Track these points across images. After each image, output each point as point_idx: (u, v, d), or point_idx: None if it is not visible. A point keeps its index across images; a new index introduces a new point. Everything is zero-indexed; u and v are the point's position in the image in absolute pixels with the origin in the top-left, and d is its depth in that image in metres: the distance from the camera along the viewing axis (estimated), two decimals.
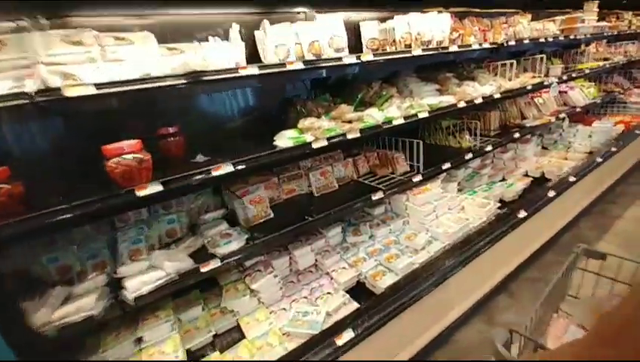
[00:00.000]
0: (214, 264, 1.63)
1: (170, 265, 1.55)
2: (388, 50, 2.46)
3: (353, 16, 2.60)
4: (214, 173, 1.54)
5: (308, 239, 2.25)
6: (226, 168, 1.56)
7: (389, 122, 2.06)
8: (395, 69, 3.04)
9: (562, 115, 3.67)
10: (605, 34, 4.13)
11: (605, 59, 4.29)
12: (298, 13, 2.31)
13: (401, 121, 2.10)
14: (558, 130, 4.16)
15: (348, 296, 1.88)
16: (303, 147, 1.78)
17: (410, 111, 2.19)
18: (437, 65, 3.18)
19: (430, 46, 2.40)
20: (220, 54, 1.66)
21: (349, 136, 1.90)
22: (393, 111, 2.14)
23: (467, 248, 2.19)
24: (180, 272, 1.56)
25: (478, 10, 3.38)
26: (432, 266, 2.05)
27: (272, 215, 2.03)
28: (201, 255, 1.71)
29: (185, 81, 1.50)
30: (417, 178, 2.34)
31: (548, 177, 3.26)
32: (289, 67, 1.73)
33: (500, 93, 2.76)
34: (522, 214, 2.50)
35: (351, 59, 1.92)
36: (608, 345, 0.43)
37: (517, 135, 3.11)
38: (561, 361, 0.51)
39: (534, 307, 1.07)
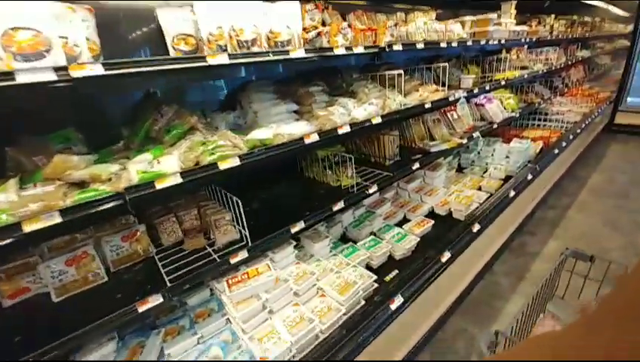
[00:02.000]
0: None
1: None
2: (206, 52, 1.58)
3: None
4: None
5: None
6: None
7: (146, 186, 1.17)
8: (247, 77, 2.18)
9: (476, 134, 3.08)
10: (524, 39, 3.64)
11: (523, 67, 3.82)
12: None
13: (176, 180, 1.22)
14: (475, 147, 3.63)
15: None
16: None
17: (205, 158, 1.32)
18: (311, 74, 2.37)
19: (255, 48, 1.56)
20: None
21: (27, 229, 0.98)
22: (170, 162, 1.25)
23: None
24: None
25: (364, 2, 2.62)
26: None
27: None
28: None
29: None
30: (239, 256, 1.50)
31: (455, 216, 2.62)
32: None
33: (382, 117, 2.01)
34: (398, 302, 1.78)
35: (29, 76, 0.98)
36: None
37: (416, 165, 2.41)
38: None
39: (520, 310, 1.13)
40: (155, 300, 1.30)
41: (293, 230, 1.70)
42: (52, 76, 1.01)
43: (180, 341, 1.48)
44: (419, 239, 2.20)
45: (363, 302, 1.72)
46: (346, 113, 1.92)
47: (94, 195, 1.08)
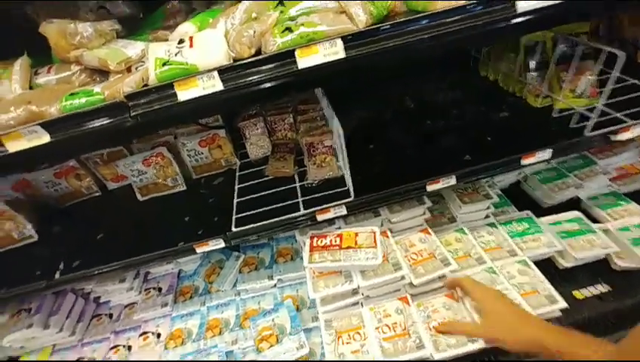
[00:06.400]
0: None
1: None
2: None
3: None
4: None
5: None
6: None
7: (161, 94, 0.62)
8: None
9: None
10: None
11: None
12: None
13: (213, 86, 0.61)
14: None
15: None
16: None
17: (273, 39, 0.62)
18: None
19: None
20: None
21: (12, 149, 0.64)
22: (208, 44, 0.63)
23: None
24: None
25: None
26: None
27: None
28: None
29: None
30: (333, 212, 0.95)
31: None
32: None
33: None
34: None
35: None
36: None
37: None
38: None
39: None
40: (215, 244, 0.98)
41: (433, 188, 0.96)
42: None
43: (256, 278, 1.24)
44: None
45: None
46: None
47: (81, 104, 0.63)
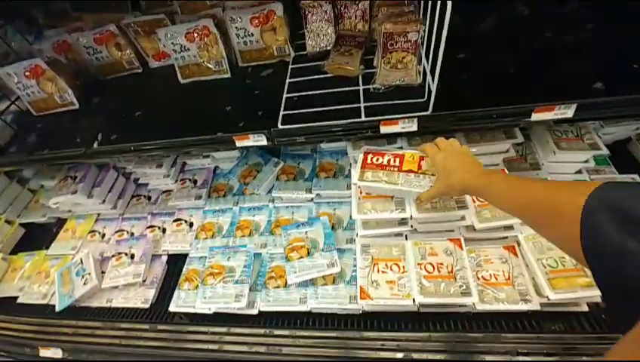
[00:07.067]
0: None
1: None
2: None
3: None
4: None
5: None
6: None
7: None
8: None
9: None
10: None
11: None
12: None
13: None
14: None
15: None
16: None
17: None
18: None
19: None
20: None
21: None
22: None
23: None
24: None
25: None
26: None
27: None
28: None
29: None
30: (401, 125, 0.78)
31: None
32: None
33: None
34: None
35: None
36: None
37: None
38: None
39: None
40: (257, 140, 0.86)
41: (540, 117, 0.73)
42: None
43: (293, 188, 1.15)
44: None
45: (584, 308, 0.85)
46: None
47: None
